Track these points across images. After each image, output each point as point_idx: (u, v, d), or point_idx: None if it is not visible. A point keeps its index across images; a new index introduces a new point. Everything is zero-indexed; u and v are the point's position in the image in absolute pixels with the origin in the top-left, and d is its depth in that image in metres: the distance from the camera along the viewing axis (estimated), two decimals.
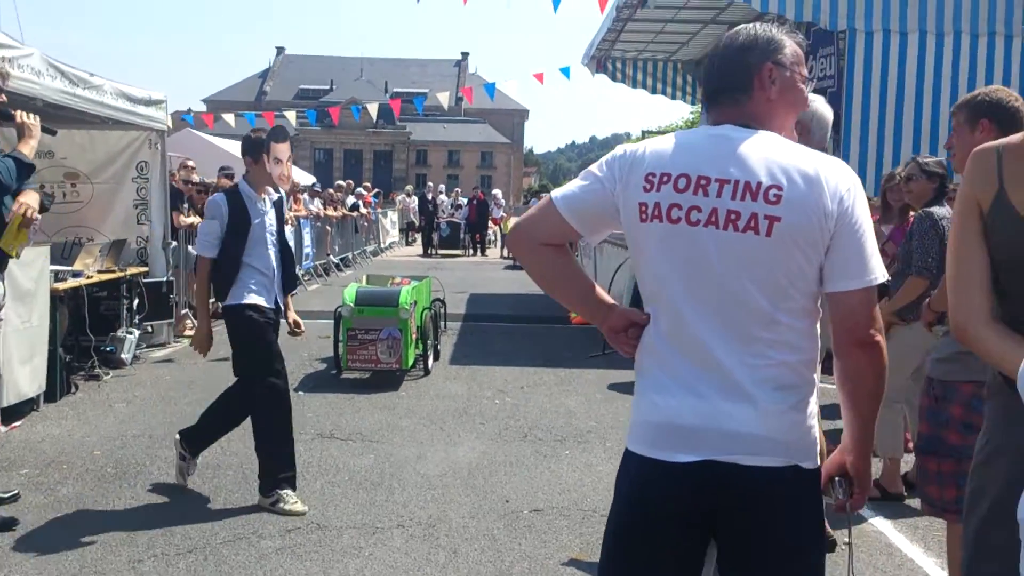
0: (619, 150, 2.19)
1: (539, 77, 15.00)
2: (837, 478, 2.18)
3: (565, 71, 14.54)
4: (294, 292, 5.55)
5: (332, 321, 8.27)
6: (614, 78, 14.99)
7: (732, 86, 2.11)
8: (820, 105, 4.40)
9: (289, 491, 4.81)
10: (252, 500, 4.88)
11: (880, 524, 4.88)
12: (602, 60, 14.39)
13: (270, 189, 5.01)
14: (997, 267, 2.06)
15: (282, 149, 4.87)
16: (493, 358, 9.28)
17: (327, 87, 67.05)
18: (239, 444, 5.89)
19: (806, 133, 4.33)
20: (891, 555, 4.50)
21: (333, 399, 7.29)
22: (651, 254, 2.07)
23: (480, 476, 5.45)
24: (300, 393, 7.43)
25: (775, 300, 2.00)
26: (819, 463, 2.11)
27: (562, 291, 2.27)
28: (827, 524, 4.33)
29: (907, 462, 5.38)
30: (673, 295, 2.05)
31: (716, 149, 2.05)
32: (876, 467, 5.39)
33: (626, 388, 7.87)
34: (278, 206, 5.10)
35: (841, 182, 2.00)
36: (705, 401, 2.02)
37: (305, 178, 20.42)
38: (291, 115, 19.35)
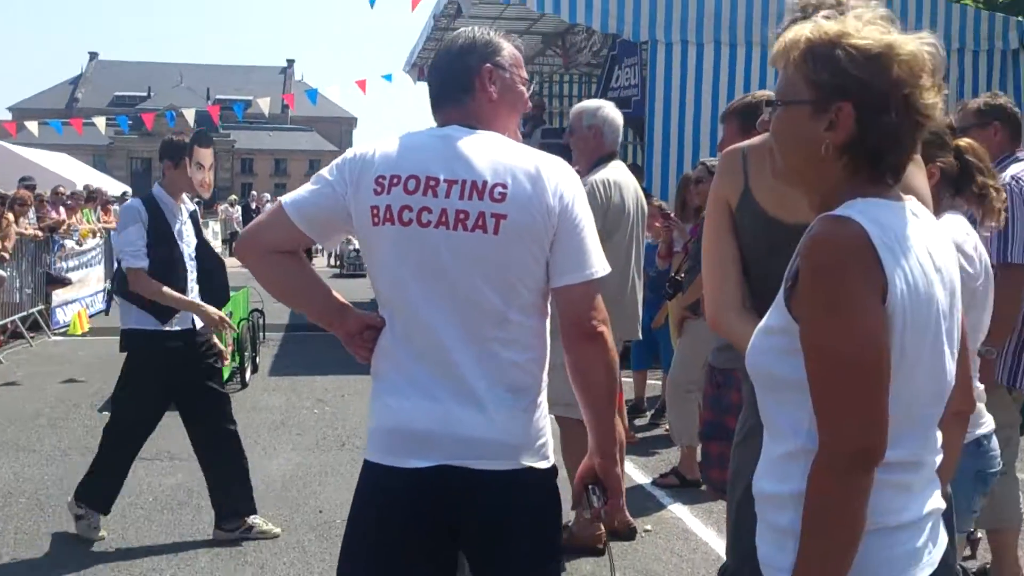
0: (349, 153, 2.15)
1: (361, 84, 14.93)
2: (590, 486, 2.14)
3: (387, 77, 14.54)
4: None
5: None
6: None
7: (455, 87, 2.13)
8: (610, 110, 4.55)
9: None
10: (43, 524, 4.64)
11: (678, 510, 5.11)
12: (423, 67, 14.48)
13: (186, 198, 4.66)
14: (746, 260, 2.18)
15: (205, 154, 4.49)
16: (314, 367, 9.14)
17: (144, 94, 64.15)
18: (35, 469, 5.61)
19: (599, 136, 4.52)
20: (687, 540, 4.71)
21: None
22: (385, 257, 2.05)
23: (294, 488, 5.39)
24: (104, 413, 7.08)
25: (507, 298, 2.02)
26: (552, 461, 2.13)
27: (296, 298, 2.22)
28: (627, 512, 4.56)
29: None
30: (408, 298, 2.04)
31: (443, 150, 2.05)
32: (675, 455, 5.68)
33: None
34: (194, 218, 4.73)
35: (562, 180, 2.04)
36: (439, 404, 2.01)
37: (117, 188, 19.51)
38: (100, 122, 18.38)
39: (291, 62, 76.71)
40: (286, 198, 2.13)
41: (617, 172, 4.47)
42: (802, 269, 1.46)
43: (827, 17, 1.54)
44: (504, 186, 2.00)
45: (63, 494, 5.17)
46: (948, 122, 2.72)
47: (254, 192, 29.15)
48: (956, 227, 2.54)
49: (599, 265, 2.06)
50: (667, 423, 6.01)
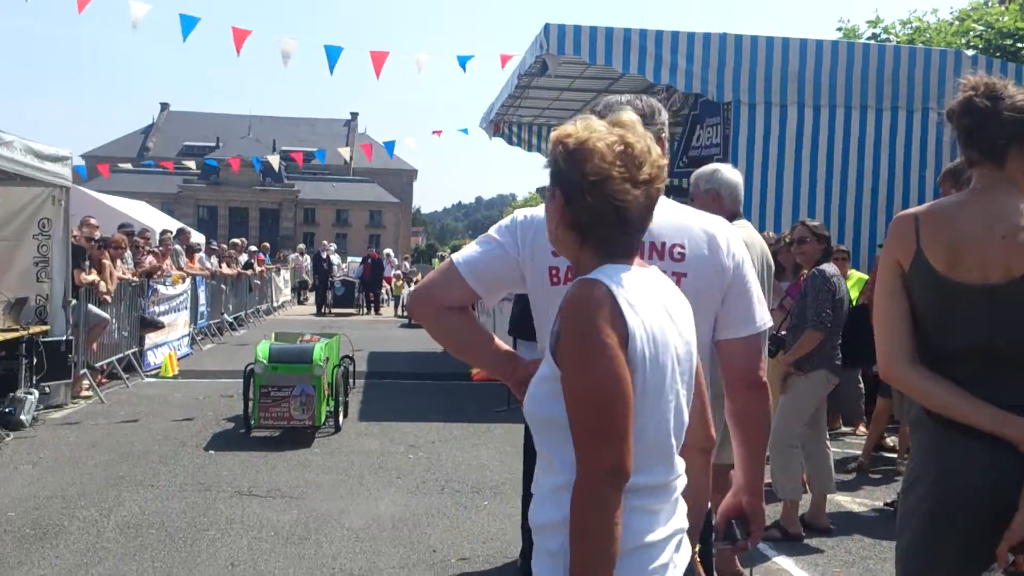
0: (519, 215, 2.26)
1: (438, 133, 15.42)
2: (734, 520, 2.27)
3: (464, 131, 14.96)
4: None
5: (232, 380, 8.23)
6: (510, 141, 15.48)
7: None
8: (727, 172, 4.60)
9: None
10: (176, 555, 4.88)
11: (783, 562, 5.20)
12: (500, 124, 14.86)
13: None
14: (918, 315, 2.30)
15: None
16: (401, 414, 9.39)
17: (213, 144, 66.07)
18: (158, 503, 5.87)
19: (718, 199, 4.63)
20: None
21: (246, 457, 7.27)
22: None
23: (405, 528, 5.57)
24: (211, 452, 7.39)
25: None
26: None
27: (469, 351, 2.33)
28: (737, 562, 4.67)
29: (803, 504, 5.77)
30: None
31: None
32: (776, 510, 5.75)
33: None
34: None
35: (732, 240, 2.24)
36: None
37: (197, 236, 20.13)
38: (191, 164, 18.99)
39: (355, 115, 78.48)
40: (458, 257, 2.25)
41: (742, 232, 4.55)
42: (561, 323, 1.71)
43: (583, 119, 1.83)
44: (682, 246, 2.17)
45: (188, 526, 5.43)
46: None
47: (323, 241, 29.74)
48: None
49: (765, 319, 2.25)
50: (770, 478, 6.04)
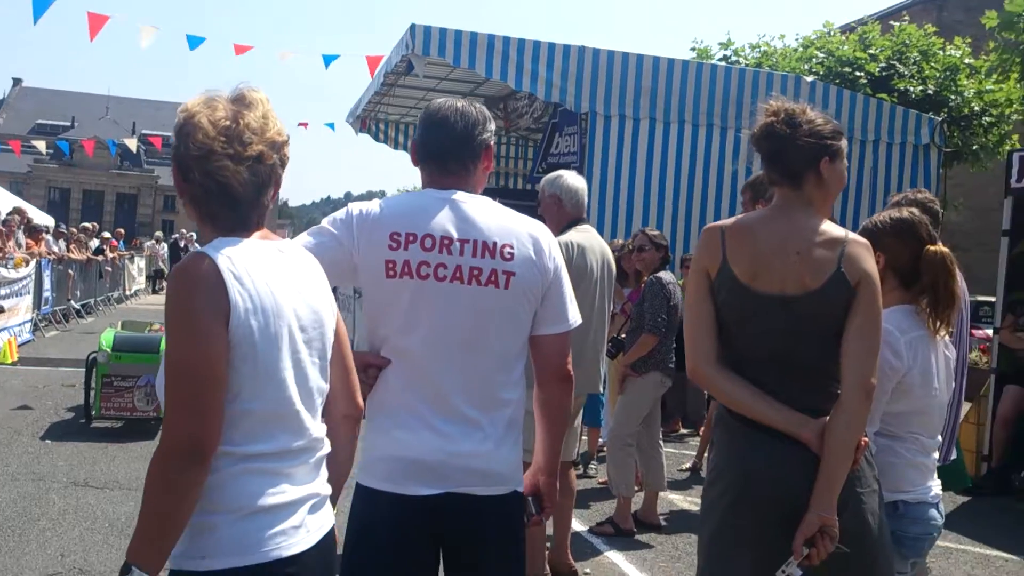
0: (354, 209, 2.35)
1: (304, 125, 15.23)
2: (531, 497, 2.49)
3: (330, 125, 14.85)
4: None
5: (75, 369, 7.98)
6: (377, 138, 15.46)
7: (467, 156, 2.41)
8: (570, 179, 4.84)
9: None
10: (3, 544, 4.76)
11: (614, 557, 5.44)
12: (366, 120, 14.83)
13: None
14: (722, 321, 2.48)
15: None
16: None
17: (68, 123, 62.86)
18: None
19: (559, 203, 4.80)
20: None
21: (85, 448, 7.09)
22: (399, 307, 2.29)
23: None
24: (47, 442, 7.18)
25: (509, 345, 2.35)
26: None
27: None
28: (570, 556, 4.88)
29: (636, 502, 6.04)
30: (419, 343, 2.29)
31: (452, 212, 2.33)
32: (609, 506, 6.03)
33: None
34: None
35: (552, 244, 2.42)
36: (447, 439, 2.27)
37: (44, 218, 19.27)
38: (40, 145, 18.11)
39: None
40: None
41: (581, 235, 4.72)
42: (166, 296, 1.77)
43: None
44: (511, 247, 2.32)
45: (19, 516, 5.30)
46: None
47: (183, 230, 28.82)
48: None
49: (576, 317, 2.45)
50: (606, 474, 6.26)
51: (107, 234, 23.87)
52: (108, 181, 62.25)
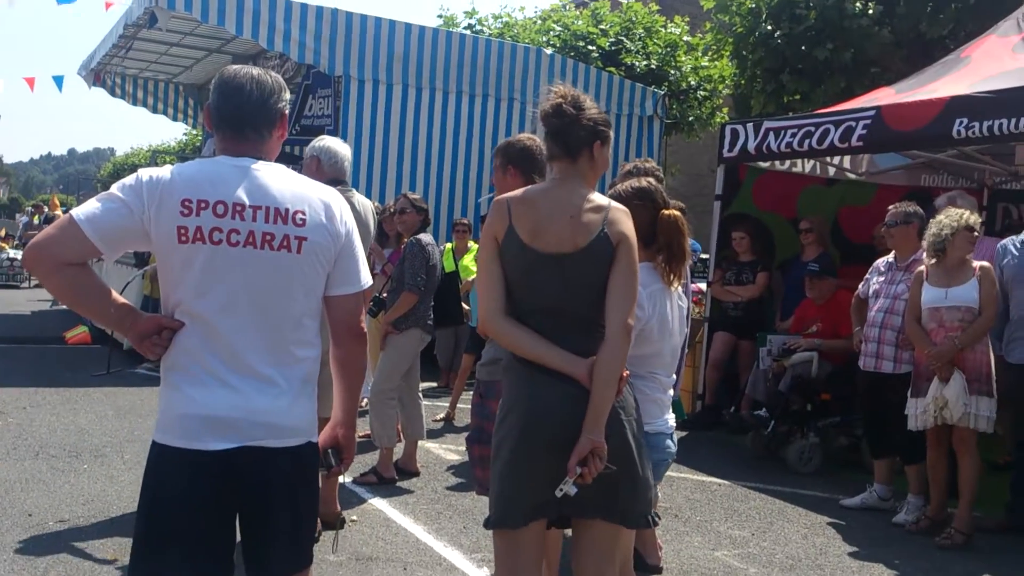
0: (144, 175, 2.35)
1: (30, 82, 14.02)
2: (330, 449, 2.62)
3: (58, 79, 13.82)
4: None
5: None
6: (113, 93, 14.65)
7: (264, 124, 2.48)
8: (329, 142, 5.03)
9: None
10: None
11: (378, 503, 5.72)
12: (101, 74, 14.00)
13: None
14: (509, 279, 2.82)
15: None
16: None
17: None
18: None
19: (318, 164, 4.96)
20: (388, 527, 5.32)
21: None
22: (192, 271, 2.33)
23: None
24: None
25: (303, 306, 2.46)
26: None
27: (89, 306, 2.41)
28: (338, 504, 5.12)
29: (397, 451, 6.34)
30: (215, 306, 2.36)
31: (245, 179, 2.39)
32: (374, 458, 6.32)
33: (137, 405, 8.04)
34: None
35: (344, 209, 2.53)
36: (241, 395, 2.35)
37: None
38: None
39: None
40: (78, 212, 2.29)
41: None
42: None
43: None
44: (303, 213, 2.41)
45: None
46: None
47: None
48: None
49: (367, 278, 2.65)
50: (368, 427, 6.42)
51: None
52: None
